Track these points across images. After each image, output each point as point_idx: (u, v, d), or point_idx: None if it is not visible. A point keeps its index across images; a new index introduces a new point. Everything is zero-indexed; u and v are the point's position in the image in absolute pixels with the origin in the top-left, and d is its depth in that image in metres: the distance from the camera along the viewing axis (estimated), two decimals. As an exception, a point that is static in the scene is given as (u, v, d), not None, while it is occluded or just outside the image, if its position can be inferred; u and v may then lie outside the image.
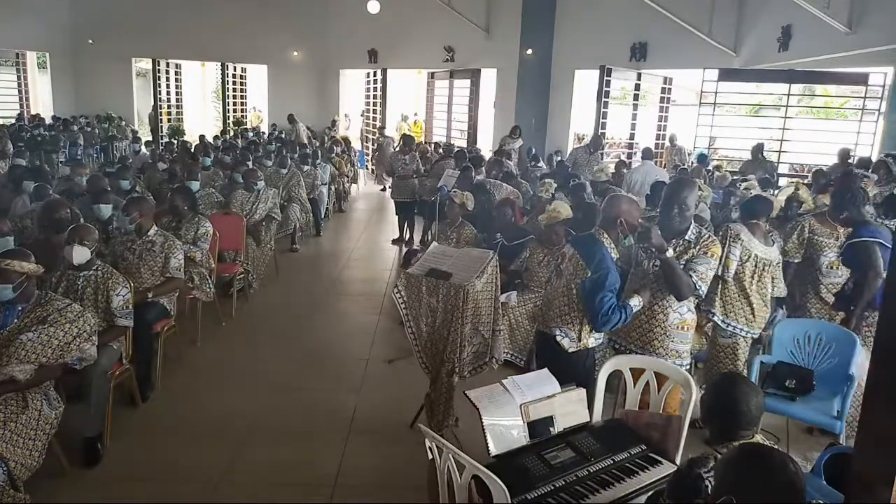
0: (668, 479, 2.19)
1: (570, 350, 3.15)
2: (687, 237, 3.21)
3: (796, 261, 4.32)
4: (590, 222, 4.58)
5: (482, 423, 2.51)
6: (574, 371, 3.09)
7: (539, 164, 10.99)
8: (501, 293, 4.27)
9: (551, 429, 2.67)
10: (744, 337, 3.93)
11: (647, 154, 8.83)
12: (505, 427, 2.56)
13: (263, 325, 5.70)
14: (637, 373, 3.06)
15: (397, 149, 9.44)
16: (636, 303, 3.10)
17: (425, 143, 14.02)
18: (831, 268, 4.22)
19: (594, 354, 3.31)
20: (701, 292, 3.18)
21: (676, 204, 3.21)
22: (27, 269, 3.06)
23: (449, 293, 3.50)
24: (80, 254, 3.55)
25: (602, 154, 10.25)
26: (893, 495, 1.35)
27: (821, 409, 3.48)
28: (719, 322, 3.93)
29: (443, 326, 3.56)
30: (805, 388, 3.58)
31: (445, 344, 3.53)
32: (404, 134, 11.24)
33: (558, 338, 3.15)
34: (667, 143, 12.22)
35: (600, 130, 10.90)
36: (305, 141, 13.62)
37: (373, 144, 15.70)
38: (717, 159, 10.95)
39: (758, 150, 9.22)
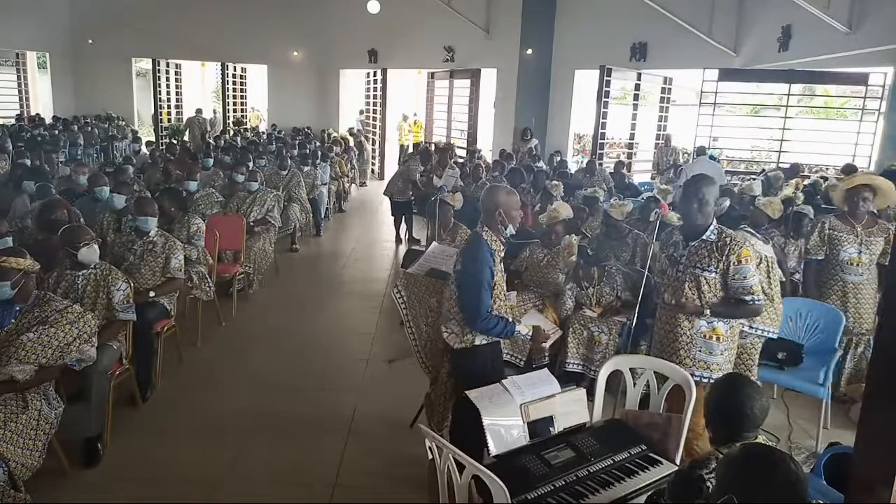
0: (668, 478, 2.18)
1: (456, 347, 3.04)
2: (706, 237, 3.08)
3: (819, 258, 4.40)
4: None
5: (482, 423, 2.52)
6: (465, 369, 3.04)
7: (539, 164, 10.99)
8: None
9: (551, 429, 2.67)
10: (759, 336, 3.89)
11: (702, 150, 9.41)
12: (505, 427, 2.56)
13: (263, 325, 5.70)
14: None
15: (409, 151, 9.47)
16: (522, 329, 3.03)
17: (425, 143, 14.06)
18: (850, 264, 4.25)
19: (490, 353, 3.11)
20: (762, 306, 3.07)
21: (695, 198, 3.07)
22: (24, 266, 3.07)
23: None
24: (93, 254, 3.61)
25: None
26: (893, 495, 1.35)
27: (807, 377, 3.85)
28: (746, 328, 3.78)
29: (443, 326, 3.55)
30: (795, 360, 3.92)
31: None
32: (425, 148, 11.08)
33: (445, 335, 3.06)
34: (660, 142, 12.16)
35: (600, 131, 10.89)
36: (199, 139, 13.82)
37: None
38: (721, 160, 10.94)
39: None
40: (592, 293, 4.57)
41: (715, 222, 3.12)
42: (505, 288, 3.14)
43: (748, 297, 3.00)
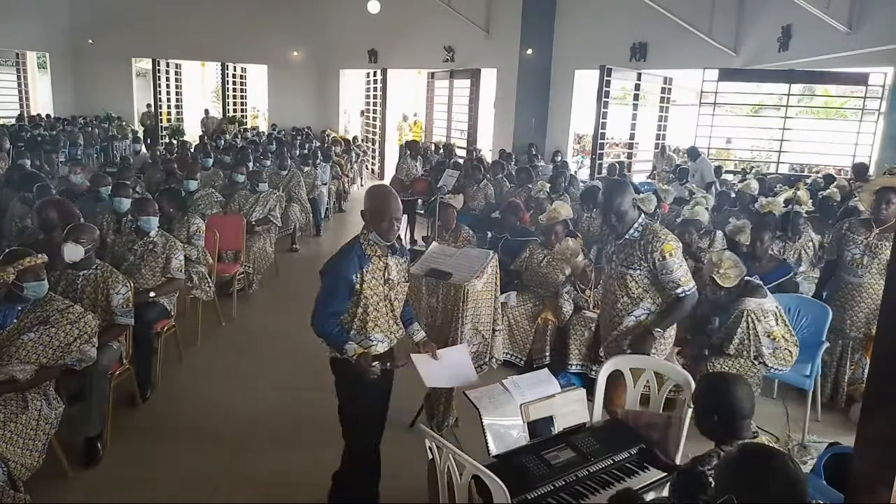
0: (671, 477, 2.19)
1: (329, 355, 2.83)
2: (629, 235, 3.15)
3: (832, 258, 4.43)
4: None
5: (482, 423, 2.52)
6: (342, 380, 2.85)
7: (538, 164, 11.01)
8: (501, 293, 4.27)
9: (551, 429, 2.67)
10: (773, 375, 3.99)
11: (694, 151, 9.97)
12: (505, 427, 2.56)
13: (263, 325, 5.70)
14: (637, 373, 3.07)
15: (408, 153, 9.52)
16: (349, 350, 2.68)
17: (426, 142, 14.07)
18: (852, 264, 4.22)
19: (363, 364, 2.69)
20: (694, 295, 3.13)
21: (612, 212, 3.17)
22: (44, 261, 3.14)
23: (449, 293, 3.50)
24: (73, 251, 3.54)
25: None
26: (893, 495, 1.35)
27: (795, 370, 3.90)
28: (767, 370, 3.85)
29: (443, 326, 3.56)
30: None
31: (445, 344, 3.53)
32: (413, 140, 11.14)
33: (321, 341, 2.82)
34: (657, 150, 12.17)
35: (600, 131, 10.89)
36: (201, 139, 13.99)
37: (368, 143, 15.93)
38: (732, 160, 10.97)
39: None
40: (590, 295, 4.56)
41: (641, 218, 3.19)
42: (393, 297, 2.81)
43: (678, 290, 3.07)
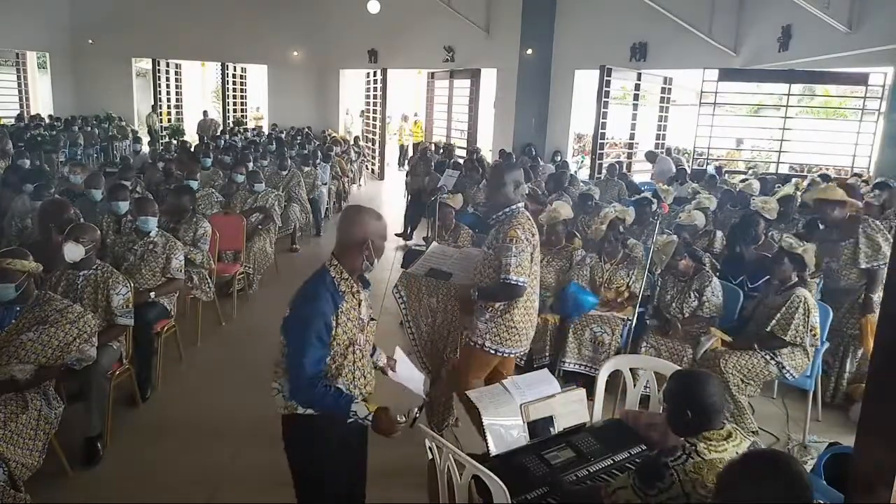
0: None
1: (281, 412, 2.32)
2: (497, 215, 3.14)
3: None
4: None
5: (482, 423, 2.51)
6: (294, 443, 2.38)
7: (538, 164, 11.00)
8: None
9: (551, 429, 2.67)
10: (785, 379, 4.01)
11: (652, 155, 10.50)
12: (505, 427, 2.56)
13: (263, 325, 5.67)
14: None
15: (411, 155, 9.60)
16: (361, 411, 2.27)
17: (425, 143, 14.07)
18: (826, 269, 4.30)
19: (329, 428, 2.32)
20: (513, 287, 3.01)
21: (490, 190, 3.25)
22: (28, 268, 3.08)
23: (449, 293, 3.50)
24: (74, 251, 3.53)
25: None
26: (893, 495, 1.35)
27: None
28: (780, 371, 3.85)
29: (443, 326, 3.56)
30: None
31: (445, 344, 3.53)
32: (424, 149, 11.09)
33: (273, 393, 2.33)
34: (661, 151, 12.25)
35: (600, 131, 10.90)
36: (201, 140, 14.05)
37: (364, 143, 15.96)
38: (738, 160, 11.01)
39: None
40: (608, 270, 4.59)
41: (517, 206, 3.11)
42: (363, 341, 2.43)
43: (503, 276, 3.00)
